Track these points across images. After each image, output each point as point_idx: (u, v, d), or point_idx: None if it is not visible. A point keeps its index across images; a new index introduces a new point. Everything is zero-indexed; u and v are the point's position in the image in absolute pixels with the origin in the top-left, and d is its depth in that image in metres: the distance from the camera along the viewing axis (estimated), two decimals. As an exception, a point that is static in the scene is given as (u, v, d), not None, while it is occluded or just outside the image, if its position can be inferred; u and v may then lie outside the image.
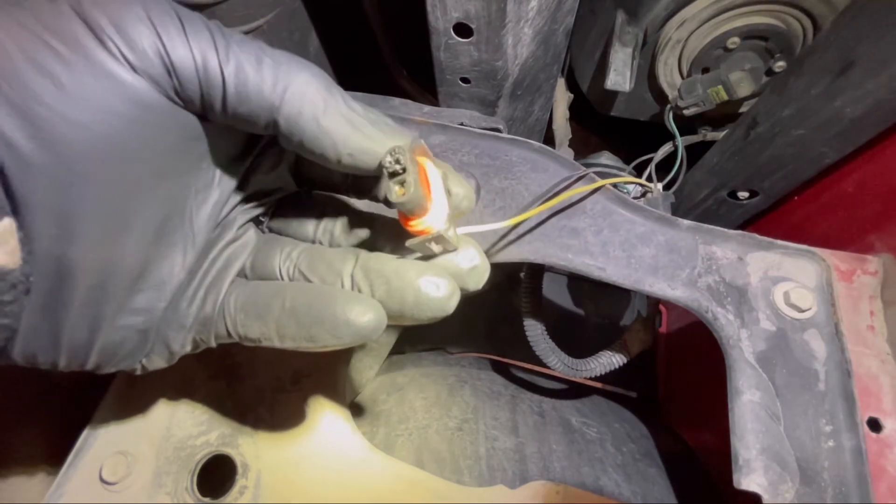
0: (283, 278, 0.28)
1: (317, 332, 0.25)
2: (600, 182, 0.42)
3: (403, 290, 0.25)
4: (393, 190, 0.24)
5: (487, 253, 0.42)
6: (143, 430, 0.34)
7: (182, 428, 0.34)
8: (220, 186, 0.27)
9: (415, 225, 0.25)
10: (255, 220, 0.31)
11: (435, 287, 0.25)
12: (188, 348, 0.28)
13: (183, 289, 0.27)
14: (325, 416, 0.35)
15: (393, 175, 0.24)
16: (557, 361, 0.53)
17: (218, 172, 0.27)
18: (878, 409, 0.35)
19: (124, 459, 0.33)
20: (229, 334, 0.27)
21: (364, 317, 0.25)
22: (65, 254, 0.22)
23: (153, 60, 0.22)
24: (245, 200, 0.29)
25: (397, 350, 0.74)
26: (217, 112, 0.24)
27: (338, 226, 0.30)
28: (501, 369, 0.67)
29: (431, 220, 0.25)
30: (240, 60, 0.23)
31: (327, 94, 0.24)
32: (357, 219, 0.30)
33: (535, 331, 0.54)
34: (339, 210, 0.31)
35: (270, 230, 0.31)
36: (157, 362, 0.28)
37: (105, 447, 0.33)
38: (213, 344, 0.28)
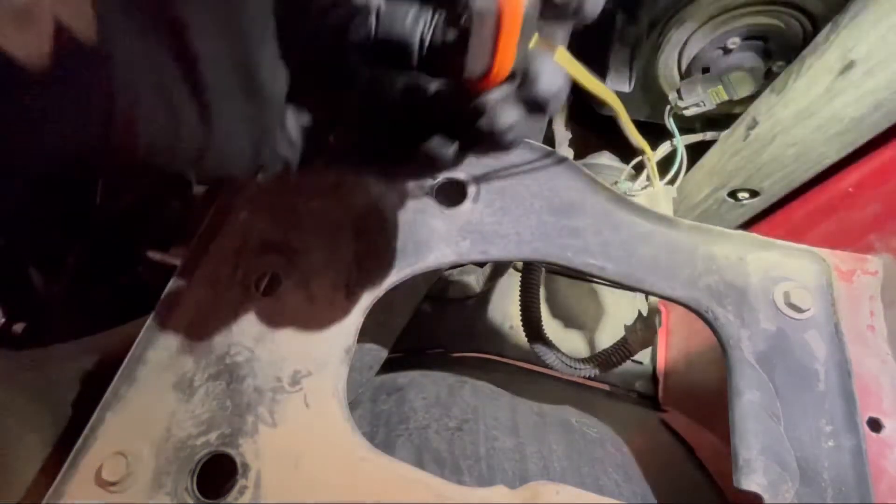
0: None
1: None
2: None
3: None
4: None
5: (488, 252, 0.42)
6: (143, 430, 0.34)
7: (182, 428, 0.34)
8: None
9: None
10: None
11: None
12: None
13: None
14: (325, 416, 0.35)
15: None
16: (558, 361, 0.53)
17: None
18: (878, 409, 0.35)
19: (124, 459, 0.33)
20: None
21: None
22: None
23: None
24: None
25: (397, 350, 0.74)
26: None
27: None
28: (501, 369, 0.67)
29: None
30: None
31: None
32: None
33: (534, 331, 0.54)
34: None
35: None
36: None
37: (105, 447, 0.33)
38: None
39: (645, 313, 0.54)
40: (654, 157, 0.48)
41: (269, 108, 0.28)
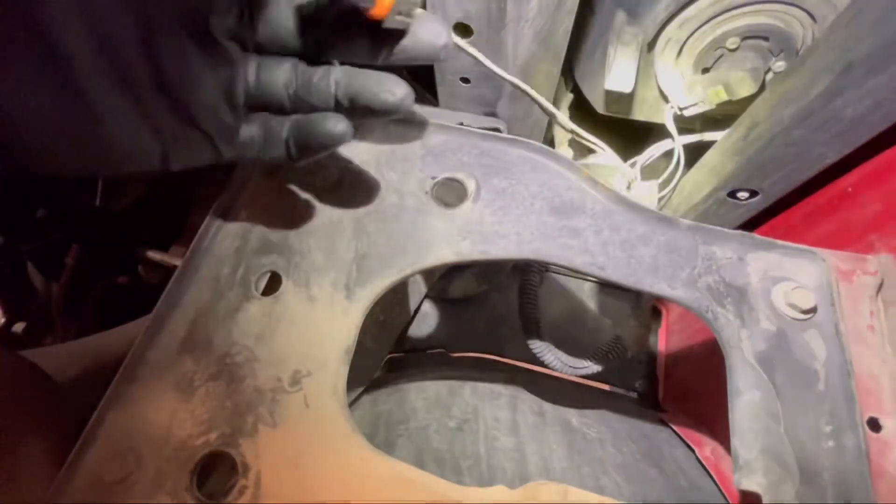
0: (286, 98, 0.35)
1: (313, 146, 0.34)
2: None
3: (370, 102, 0.34)
4: None
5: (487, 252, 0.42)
6: (143, 430, 0.34)
7: (182, 428, 0.34)
8: None
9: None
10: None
11: (391, 94, 0.34)
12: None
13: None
14: (325, 416, 0.35)
15: None
16: (556, 360, 0.53)
17: None
18: (878, 409, 0.35)
19: (124, 459, 0.33)
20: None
21: (338, 129, 0.33)
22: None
23: None
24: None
25: (397, 350, 0.74)
26: None
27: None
28: (501, 369, 0.67)
29: None
30: None
31: None
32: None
33: (532, 330, 0.54)
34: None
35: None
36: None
37: (105, 447, 0.33)
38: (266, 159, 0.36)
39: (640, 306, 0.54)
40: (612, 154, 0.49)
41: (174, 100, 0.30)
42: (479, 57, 0.46)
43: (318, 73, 0.34)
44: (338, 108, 0.34)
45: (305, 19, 0.34)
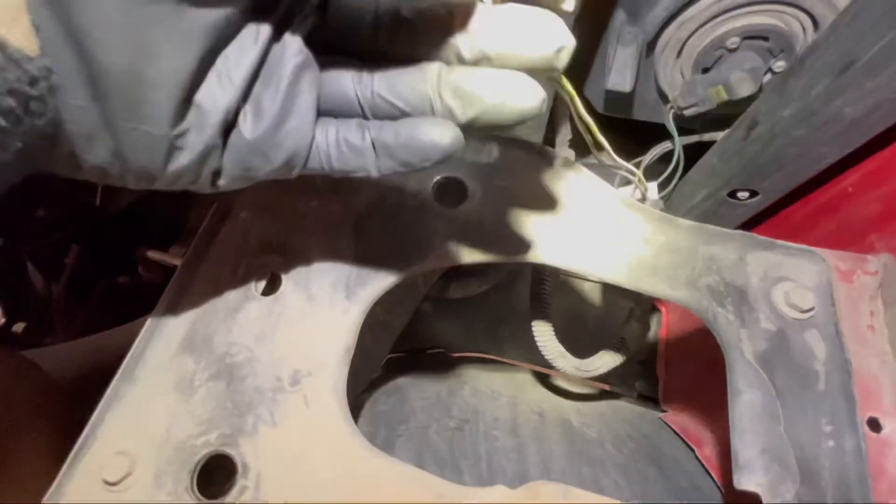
0: (361, 104, 0.28)
1: (408, 158, 0.27)
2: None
3: (496, 108, 0.26)
4: None
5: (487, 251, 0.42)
6: (143, 430, 0.34)
7: (182, 428, 0.34)
8: None
9: None
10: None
11: (524, 97, 0.26)
12: (271, 175, 0.29)
13: (252, 112, 0.27)
14: (325, 416, 0.35)
15: None
16: (566, 364, 0.53)
17: None
18: (878, 409, 0.35)
19: (124, 459, 0.33)
20: (322, 168, 0.29)
21: (446, 138, 0.26)
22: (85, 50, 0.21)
23: None
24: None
25: (397, 350, 0.74)
26: None
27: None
28: (501, 369, 0.67)
29: None
30: None
31: None
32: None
33: (544, 334, 0.55)
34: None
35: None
36: (238, 183, 0.29)
37: (105, 447, 0.33)
38: (293, 175, 0.29)
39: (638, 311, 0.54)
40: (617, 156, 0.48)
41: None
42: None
43: (410, 70, 0.27)
44: (445, 115, 0.27)
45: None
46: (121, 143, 0.24)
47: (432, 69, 0.27)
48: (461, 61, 0.27)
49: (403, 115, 0.27)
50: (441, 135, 0.26)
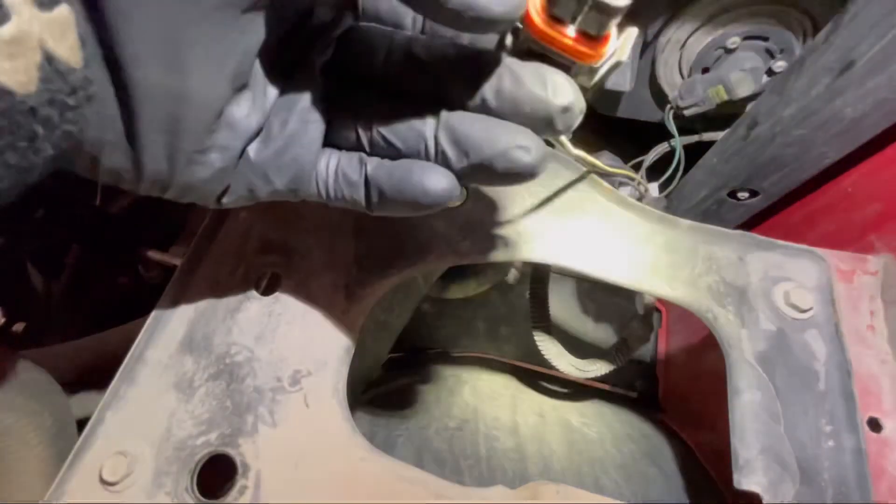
0: (361, 139, 0.28)
1: (399, 198, 0.26)
2: (587, 170, 0.42)
3: (493, 160, 0.25)
4: None
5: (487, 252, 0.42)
6: (143, 430, 0.34)
7: (182, 428, 0.34)
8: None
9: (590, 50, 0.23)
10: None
11: (525, 152, 0.24)
12: (271, 196, 0.29)
13: (261, 135, 0.27)
14: (325, 416, 0.35)
15: None
16: (566, 364, 0.53)
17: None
18: (878, 409, 0.35)
19: (124, 459, 0.33)
20: (321, 195, 0.28)
21: (439, 185, 0.25)
22: (124, 69, 0.21)
23: None
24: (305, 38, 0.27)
25: (397, 350, 0.74)
26: None
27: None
28: (501, 369, 0.67)
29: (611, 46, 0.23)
30: None
31: None
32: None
33: (544, 334, 0.55)
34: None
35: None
36: (241, 202, 0.29)
37: (105, 447, 0.33)
38: (297, 199, 0.29)
39: (641, 311, 0.54)
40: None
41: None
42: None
43: (412, 109, 0.26)
44: (440, 160, 0.26)
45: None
46: (142, 153, 0.24)
47: (434, 110, 0.26)
48: (466, 106, 0.26)
49: (400, 154, 0.27)
50: (436, 182, 0.25)
